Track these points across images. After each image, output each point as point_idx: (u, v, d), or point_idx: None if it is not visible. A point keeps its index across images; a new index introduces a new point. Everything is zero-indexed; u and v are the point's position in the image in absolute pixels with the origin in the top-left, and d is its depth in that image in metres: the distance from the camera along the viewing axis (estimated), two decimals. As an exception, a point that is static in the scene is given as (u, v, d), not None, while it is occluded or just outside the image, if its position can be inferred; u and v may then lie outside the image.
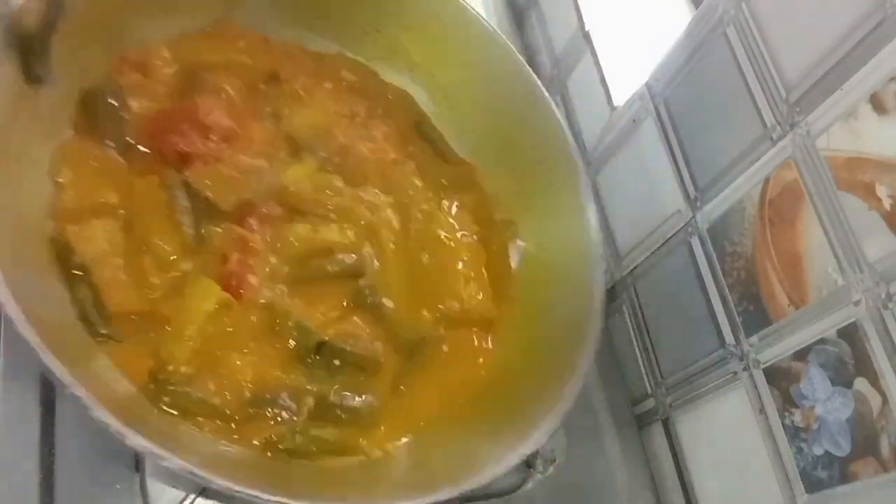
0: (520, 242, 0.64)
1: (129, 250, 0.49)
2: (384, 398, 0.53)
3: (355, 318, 0.54)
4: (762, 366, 0.56)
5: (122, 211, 0.50)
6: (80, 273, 0.47)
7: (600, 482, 0.66)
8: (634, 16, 0.75)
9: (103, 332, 0.47)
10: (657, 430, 0.68)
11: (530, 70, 0.63)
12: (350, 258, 0.55)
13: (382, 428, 0.53)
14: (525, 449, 0.48)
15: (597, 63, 0.75)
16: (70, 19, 0.46)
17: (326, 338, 0.52)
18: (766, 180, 0.55)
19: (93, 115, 0.51)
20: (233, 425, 0.48)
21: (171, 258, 0.49)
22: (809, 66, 0.50)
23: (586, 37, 0.77)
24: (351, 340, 0.53)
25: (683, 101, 0.64)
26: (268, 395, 0.49)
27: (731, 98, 0.58)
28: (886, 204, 0.45)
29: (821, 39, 0.49)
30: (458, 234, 0.62)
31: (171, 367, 0.47)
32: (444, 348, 0.57)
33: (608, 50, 0.75)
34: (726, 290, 0.59)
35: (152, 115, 0.53)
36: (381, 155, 0.61)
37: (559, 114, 0.63)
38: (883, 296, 0.46)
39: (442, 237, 0.61)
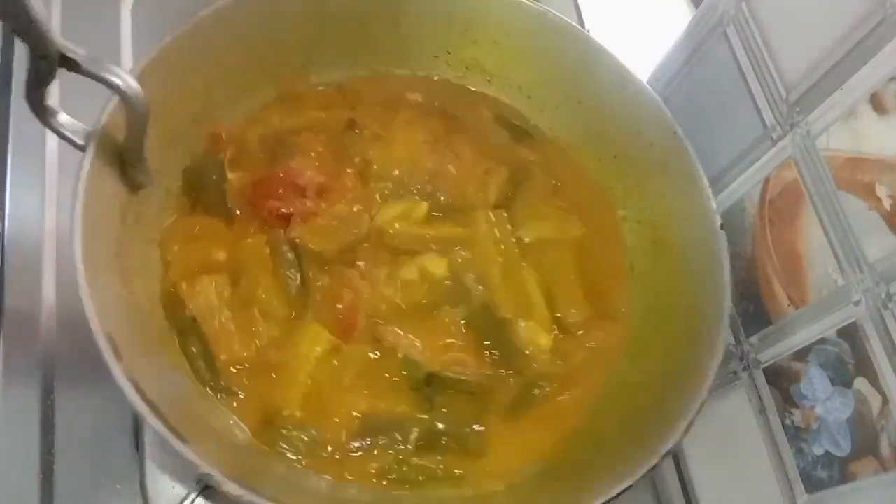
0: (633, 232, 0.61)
1: (236, 304, 0.52)
2: (495, 427, 0.53)
3: (464, 346, 0.55)
4: (762, 366, 0.55)
5: (230, 266, 0.53)
6: (191, 326, 0.51)
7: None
8: (634, 16, 0.75)
9: (213, 384, 0.50)
10: (657, 430, 0.68)
11: (610, 52, 0.60)
12: (453, 288, 0.56)
13: (492, 459, 0.53)
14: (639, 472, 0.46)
15: (597, 63, 0.75)
16: (156, 123, 0.47)
17: (436, 369, 0.53)
18: (766, 180, 0.55)
19: (196, 190, 0.54)
20: (343, 461, 0.50)
21: (278, 309, 0.53)
22: (809, 66, 0.50)
23: (586, 37, 0.77)
24: (459, 369, 0.54)
25: (683, 101, 0.64)
26: (375, 429, 0.51)
27: (730, 98, 0.58)
28: (886, 204, 0.45)
29: (821, 39, 0.49)
30: (563, 235, 0.61)
31: (285, 413, 0.50)
32: (560, 369, 0.56)
33: (608, 50, 0.75)
34: (726, 289, 0.59)
35: (249, 184, 0.56)
36: (471, 169, 0.61)
37: (652, 91, 0.60)
38: (883, 296, 0.46)
39: (545, 246, 0.60)
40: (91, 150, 0.45)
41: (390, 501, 0.50)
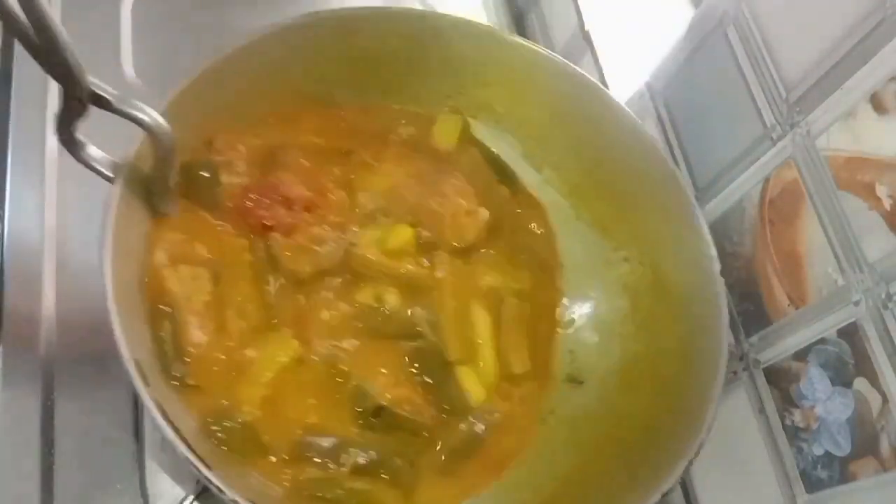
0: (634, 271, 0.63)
1: (213, 300, 0.53)
2: (429, 469, 0.55)
3: (412, 383, 0.57)
4: (762, 366, 0.56)
5: (212, 264, 0.54)
6: (167, 310, 0.51)
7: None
8: (634, 16, 0.75)
9: (175, 373, 0.50)
10: (657, 430, 0.68)
11: (609, 92, 0.61)
12: (406, 322, 0.58)
13: (420, 497, 0.54)
14: None
15: (597, 63, 0.75)
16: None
17: (384, 403, 0.54)
18: (766, 180, 0.55)
19: (189, 184, 0.55)
20: (280, 464, 0.51)
21: (252, 314, 0.54)
22: (809, 66, 0.50)
23: (586, 37, 0.77)
24: (408, 407, 0.55)
25: (683, 101, 0.64)
26: (318, 442, 0.52)
27: (731, 98, 0.58)
28: (886, 204, 0.45)
29: (821, 39, 0.49)
30: (520, 287, 0.63)
31: (245, 408, 0.51)
32: (497, 418, 0.58)
33: (608, 50, 0.75)
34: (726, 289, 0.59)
35: (239, 190, 0.57)
36: (453, 209, 0.62)
37: (651, 129, 0.62)
38: (883, 296, 0.46)
39: (502, 296, 0.62)
40: (120, 182, 0.47)
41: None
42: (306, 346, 0.55)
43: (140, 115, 0.43)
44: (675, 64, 0.64)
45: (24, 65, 0.67)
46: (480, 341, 0.60)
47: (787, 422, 0.53)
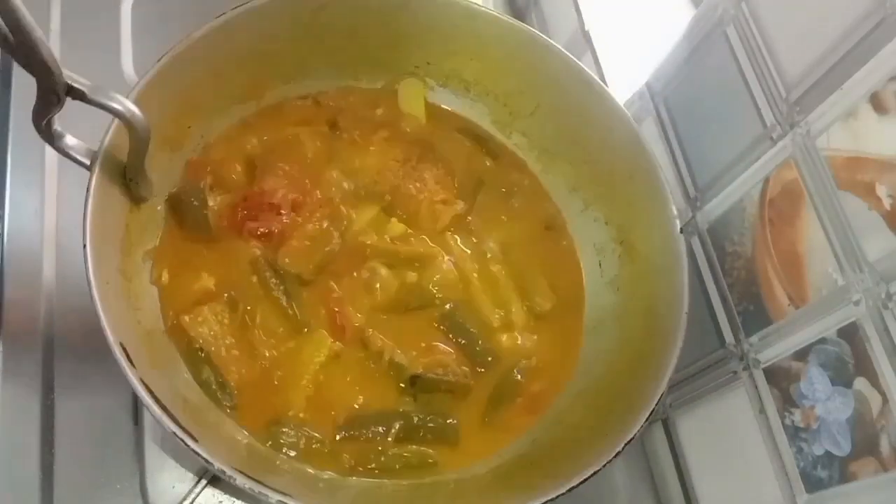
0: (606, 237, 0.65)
1: (237, 328, 0.56)
2: (470, 421, 0.58)
3: (443, 346, 0.60)
4: (762, 365, 0.56)
5: (224, 294, 0.57)
6: (200, 354, 0.54)
7: (600, 482, 0.66)
8: (634, 16, 0.75)
9: (229, 405, 0.54)
10: (657, 430, 0.68)
11: (578, 62, 0.63)
12: (424, 293, 0.61)
13: (464, 448, 0.57)
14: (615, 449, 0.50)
15: (597, 63, 0.75)
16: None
17: (419, 371, 0.57)
18: (766, 180, 0.55)
19: (179, 214, 0.58)
20: (334, 450, 0.54)
21: (278, 328, 0.57)
22: (809, 66, 0.50)
23: (586, 37, 0.77)
24: (440, 369, 0.58)
25: (683, 101, 0.64)
26: (362, 423, 0.55)
27: (731, 98, 0.58)
28: (886, 204, 0.45)
29: (821, 39, 0.49)
30: (522, 235, 0.66)
31: (290, 413, 0.54)
32: (533, 362, 0.61)
33: (608, 50, 0.75)
34: (726, 289, 0.59)
35: (228, 208, 0.59)
36: (430, 195, 0.64)
37: (651, 128, 0.64)
38: (883, 295, 0.46)
39: (508, 248, 0.65)
40: (96, 169, 0.48)
41: (374, 489, 0.54)
42: (339, 338, 0.57)
43: (114, 105, 0.45)
44: (675, 64, 0.64)
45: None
46: (500, 293, 0.62)
47: (787, 422, 0.53)
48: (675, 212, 0.58)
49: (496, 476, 0.56)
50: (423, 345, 0.59)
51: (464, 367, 0.59)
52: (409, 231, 0.63)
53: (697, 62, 0.62)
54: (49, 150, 0.63)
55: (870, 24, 0.46)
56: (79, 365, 0.57)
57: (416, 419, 0.56)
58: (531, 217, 0.67)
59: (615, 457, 0.49)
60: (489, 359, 0.60)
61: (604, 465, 0.48)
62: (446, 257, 0.62)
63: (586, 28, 0.77)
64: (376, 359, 0.57)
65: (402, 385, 0.57)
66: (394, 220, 0.63)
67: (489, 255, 0.64)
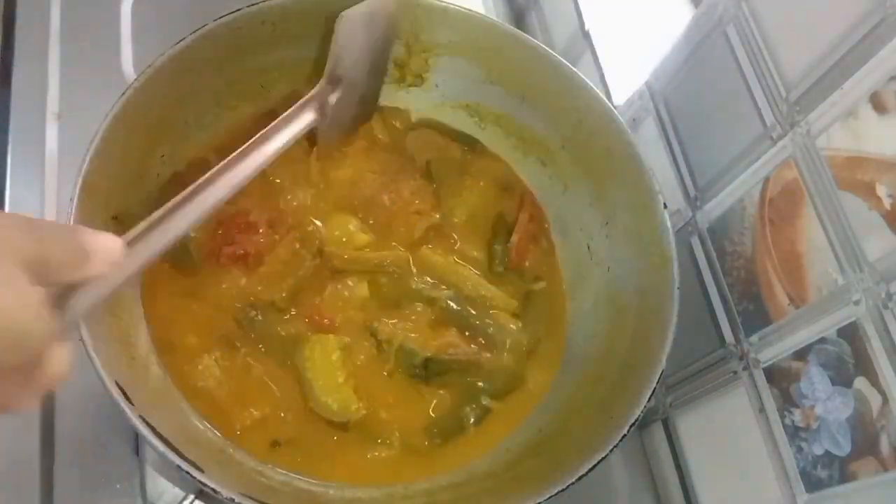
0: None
1: (239, 371, 0.56)
2: (489, 395, 0.60)
3: (448, 331, 0.61)
4: (762, 365, 0.56)
5: (215, 340, 0.57)
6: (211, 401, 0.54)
7: (599, 481, 0.66)
8: (634, 16, 0.75)
9: (275, 445, 0.54)
10: (657, 430, 0.68)
11: (539, 42, 0.62)
12: (413, 292, 0.61)
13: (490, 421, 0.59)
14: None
15: (597, 62, 0.75)
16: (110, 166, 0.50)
17: (430, 354, 0.58)
18: (766, 180, 0.55)
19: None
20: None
21: (275, 366, 0.57)
22: (809, 66, 0.50)
23: (586, 36, 0.77)
24: (451, 350, 0.60)
25: (683, 101, 0.64)
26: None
27: (730, 97, 0.58)
28: (886, 204, 0.45)
29: (821, 39, 0.49)
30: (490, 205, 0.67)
31: (353, 409, 0.56)
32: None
33: (608, 49, 0.75)
34: (726, 289, 0.59)
35: (207, 237, 0.59)
36: (404, 207, 0.64)
37: (651, 128, 0.65)
38: (883, 295, 0.46)
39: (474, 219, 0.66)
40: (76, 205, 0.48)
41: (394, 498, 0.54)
42: (339, 333, 0.58)
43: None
44: (675, 63, 0.64)
45: (24, 65, 0.67)
46: (490, 277, 0.64)
47: (787, 421, 0.53)
48: (657, 186, 0.57)
49: (505, 467, 0.56)
50: (429, 332, 0.60)
51: (472, 346, 0.60)
52: (383, 242, 0.62)
53: (697, 62, 0.62)
54: (49, 149, 0.64)
55: (870, 23, 0.46)
56: (79, 365, 0.57)
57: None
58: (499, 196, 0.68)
59: (621, 440, 0.49)
60: (496, 340, 0.61)
61: (610, 451, 0.48)
62: (424, 259, 0.63)
63: (586, 28, 0.77)
64: (388, 346, 0.58)
65: (413, 372, 0.58)
66: (367, 231, 0.63)
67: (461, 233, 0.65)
